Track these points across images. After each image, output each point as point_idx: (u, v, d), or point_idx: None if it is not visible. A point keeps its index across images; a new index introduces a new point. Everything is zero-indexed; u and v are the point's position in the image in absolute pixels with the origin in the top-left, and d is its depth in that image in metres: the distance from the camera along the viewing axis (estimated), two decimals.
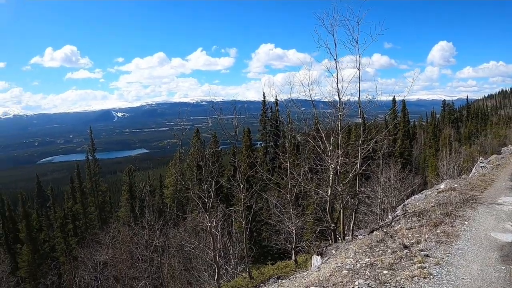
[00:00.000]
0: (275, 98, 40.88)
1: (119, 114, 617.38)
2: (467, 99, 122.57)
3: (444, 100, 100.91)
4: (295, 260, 16.30)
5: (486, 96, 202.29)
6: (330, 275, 7.35)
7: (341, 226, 13.37)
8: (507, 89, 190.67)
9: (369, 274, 6.94)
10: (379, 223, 15.14)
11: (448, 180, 19.02)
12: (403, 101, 59.95)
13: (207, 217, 14.12)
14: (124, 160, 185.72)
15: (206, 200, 13.98)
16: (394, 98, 37.25)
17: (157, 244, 18.23)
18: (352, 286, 6.55)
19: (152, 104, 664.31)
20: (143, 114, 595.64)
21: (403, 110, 63.91)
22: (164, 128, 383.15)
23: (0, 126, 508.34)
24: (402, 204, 16.19)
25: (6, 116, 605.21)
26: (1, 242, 45.26)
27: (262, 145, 48.86)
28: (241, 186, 15.38)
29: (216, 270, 14.51)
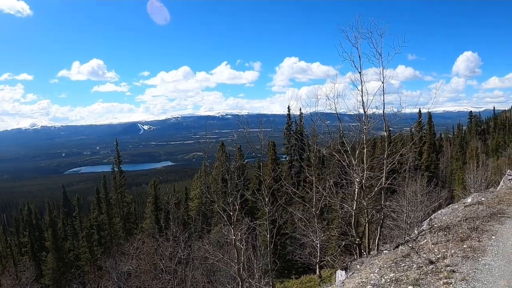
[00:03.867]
0: (299, 111, 40.95)
1: (145, 127, 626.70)
2: (493, 110, 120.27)
3: (471, 111, 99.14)
4: (319, 275, 16.21)
5: None
6: None
7: (366, 241, 13.23)
8: None
9: None
10: (404, 237, 14.92)
11: (475, 193, 18.63)
12: (429, 113, 59.38)
13: (232, 230, 14.16)
14: (149, 172, 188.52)
15: (231, 213, 14.03)
16: (420, 111, 37.11)
17: (181, 256, 18.34)
18: None
19: (177, 117, 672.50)
20: (169, 127, 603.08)
21: (429, 122, 63.02)
22: (189, 141, 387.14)
23: (28, 137, 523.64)
24: (428, 219, 15.93)
25: (34, 127, 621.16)
26: (27, 249, 46.44)
27: (287, 159, 48.78)
28: (266, 199, 15.45)
29: (240, 284, 14.50)
